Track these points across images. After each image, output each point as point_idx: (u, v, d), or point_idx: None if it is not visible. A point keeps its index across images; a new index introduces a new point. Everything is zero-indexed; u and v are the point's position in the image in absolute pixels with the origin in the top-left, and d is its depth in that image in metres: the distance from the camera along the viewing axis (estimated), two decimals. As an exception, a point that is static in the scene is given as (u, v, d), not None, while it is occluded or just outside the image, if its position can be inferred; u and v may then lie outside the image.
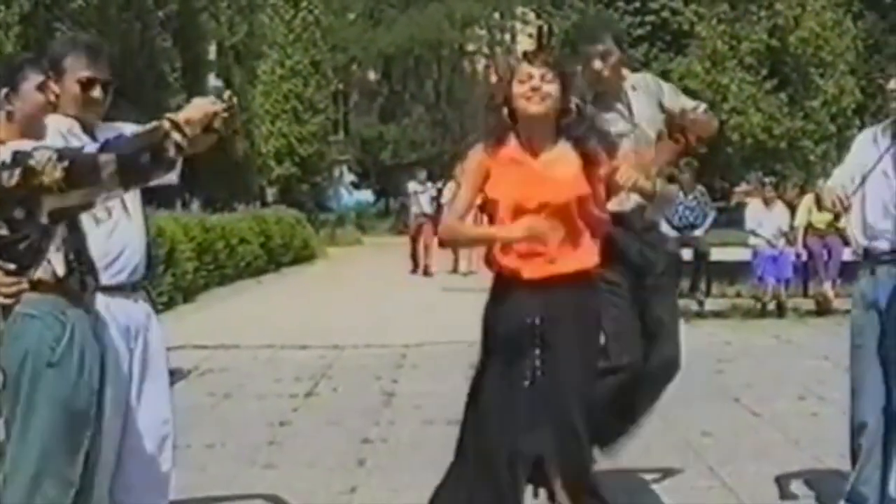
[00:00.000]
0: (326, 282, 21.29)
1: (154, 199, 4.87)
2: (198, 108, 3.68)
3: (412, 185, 23.51)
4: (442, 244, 5.26)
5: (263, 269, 22.20)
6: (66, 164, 3.60)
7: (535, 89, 4.23)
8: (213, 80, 5.30)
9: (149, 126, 3.70)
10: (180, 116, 3.63)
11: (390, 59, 50.95)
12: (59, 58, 4.23)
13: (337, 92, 45.33)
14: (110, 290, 4.20)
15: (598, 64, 4.99)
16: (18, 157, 3.63)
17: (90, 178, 3.61)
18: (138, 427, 4.36)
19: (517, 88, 4.27)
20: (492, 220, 4.36)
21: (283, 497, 5.92)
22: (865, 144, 5.21)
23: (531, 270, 4.25)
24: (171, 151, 3.60)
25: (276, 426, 7.73)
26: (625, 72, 5.20)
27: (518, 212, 4.23)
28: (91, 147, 3.74)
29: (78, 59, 4.22)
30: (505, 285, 4.32)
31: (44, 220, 3.68)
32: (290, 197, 34.77)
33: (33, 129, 3.86)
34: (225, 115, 3.68)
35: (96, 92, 4.25)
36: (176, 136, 3.58)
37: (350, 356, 11.00)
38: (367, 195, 51.44)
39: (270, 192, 36.73)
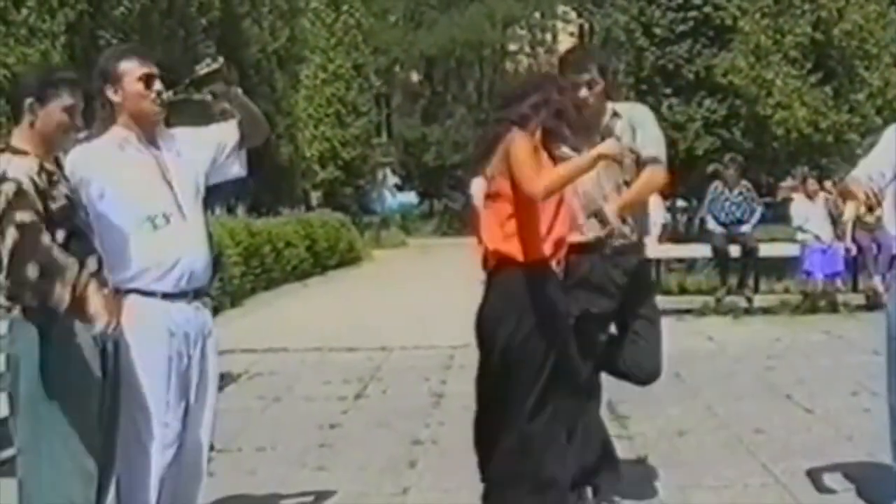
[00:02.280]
0: (372, 284, 21.33)
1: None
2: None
3: (478, 182, 21.57)
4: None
5: (309, 272, 22.29)
6: None
7: None
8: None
9: None
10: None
11: (432, 60, 51.06)
12: (112, 67, 4.35)
13: (379, 94, 45.44)
14: (171, 296, 4.33)
15: (584, 92, 5.25)
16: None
17: None
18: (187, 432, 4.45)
19: None
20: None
21: (335, 500, 5.93)
22: (894, 139, 5.20)
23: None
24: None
25: (326, 429, 7.74)
26: (609, 104, 5.41)
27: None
28: None
29: (130, 60, 4.36)
30: None
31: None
32: (335, 200, 34.90)
33: (51, 145, 4.01)
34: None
35: (157, 85, 4.37)
36: None
37: (398, 358, 11.01)
38: (410, 197, 51.46)
39: (315, 196, 36.86)
